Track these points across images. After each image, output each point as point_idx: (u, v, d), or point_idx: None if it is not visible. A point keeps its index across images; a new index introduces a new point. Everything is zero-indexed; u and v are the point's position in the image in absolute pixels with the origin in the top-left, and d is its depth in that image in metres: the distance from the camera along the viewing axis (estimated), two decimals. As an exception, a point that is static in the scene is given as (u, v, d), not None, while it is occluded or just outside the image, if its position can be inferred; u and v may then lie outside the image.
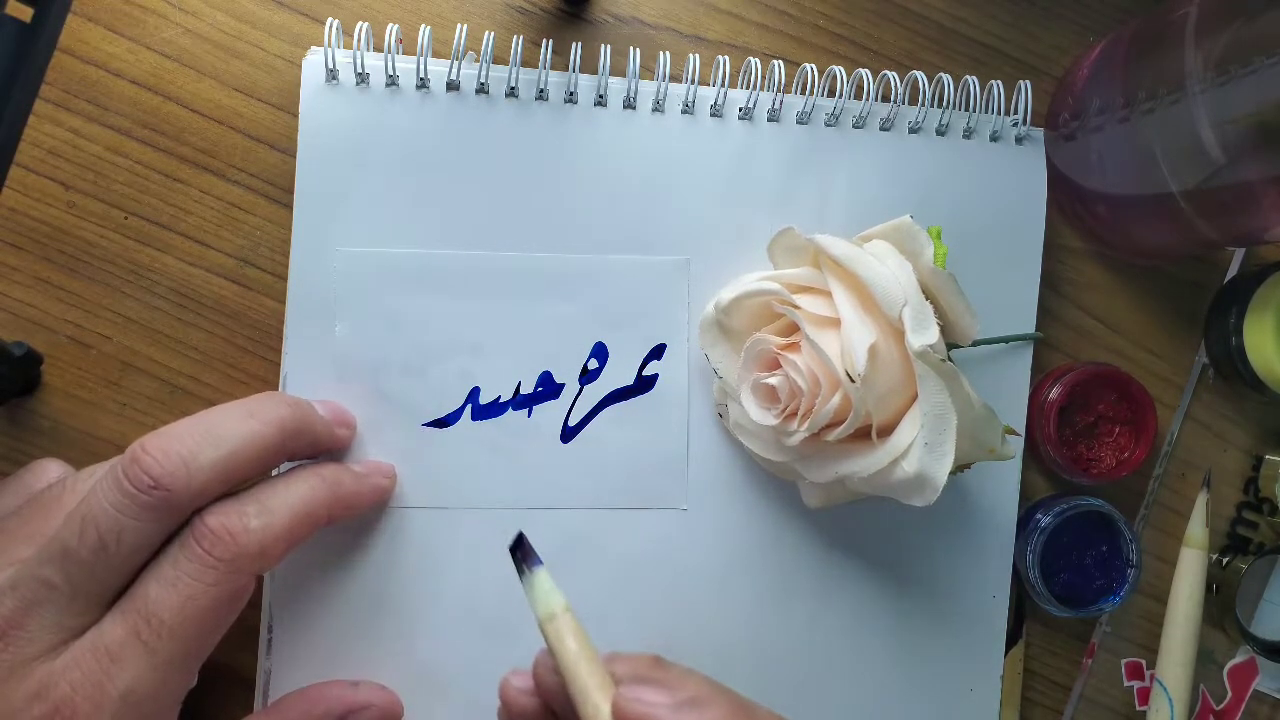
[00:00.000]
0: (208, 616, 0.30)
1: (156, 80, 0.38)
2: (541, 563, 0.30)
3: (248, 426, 0.32)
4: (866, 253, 0.35)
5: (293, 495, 0.33)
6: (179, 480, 0.29)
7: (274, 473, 0.37)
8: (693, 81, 0.39)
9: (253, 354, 0.39)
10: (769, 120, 0.40)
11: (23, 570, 0.30)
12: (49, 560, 0.29)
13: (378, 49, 0.38)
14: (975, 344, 0.38)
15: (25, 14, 0.27)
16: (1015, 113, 0.41)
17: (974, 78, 0.41)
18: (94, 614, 0.30)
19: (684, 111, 0.40)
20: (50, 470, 0.35)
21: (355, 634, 0.38)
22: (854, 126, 0.41)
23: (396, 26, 0.38)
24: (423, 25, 0.37)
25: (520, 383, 0.39)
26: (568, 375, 0.39)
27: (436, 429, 0.38)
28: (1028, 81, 0.41)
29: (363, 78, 0.38)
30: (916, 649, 0.41)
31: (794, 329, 0.36)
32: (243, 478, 0.32)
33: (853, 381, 0.33)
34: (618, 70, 0.40)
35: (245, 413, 0.32)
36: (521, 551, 0.30)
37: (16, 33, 0.27)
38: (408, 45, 0.39)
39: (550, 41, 0.38)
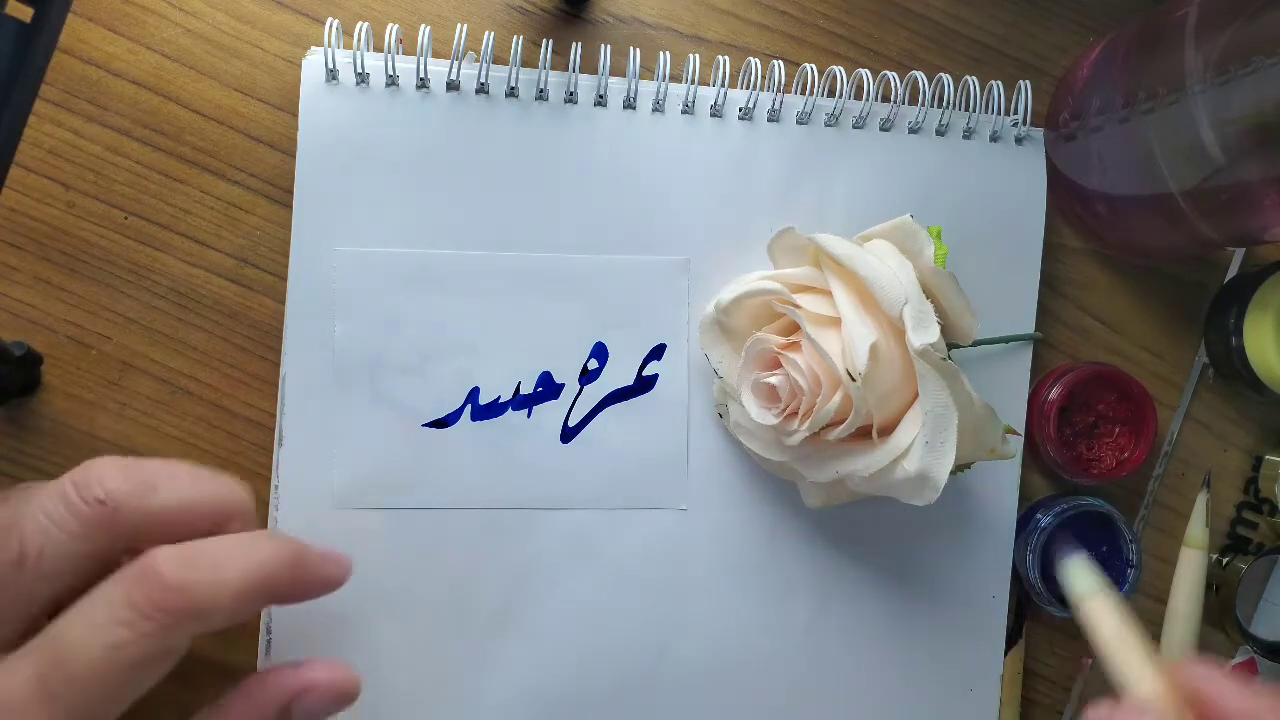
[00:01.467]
0: (128, 673, 0.26)
1: (156, 80, 0.38)
2: (1081, 549, 0.34)
3: (219, 490, 0.30)
4: (867, 252, 0.35)
5: (251, 559, 0.29)
6: (130, 499, 0.27)
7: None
8: (693, 81, 0.39)
9: (252, 354, 0.39)
10: (769, 120, 0.40)
11: None
12: None
13: (378, 49, 0.38)
14: (975, 344, 0.38)
15: (25, 14, 0.27)
16: (1015, 113, 0.41)
17: (974, 78, 0.41)
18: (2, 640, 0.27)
19: (684, 111, 0.40)
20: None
21: (355, 634, 0.38)
22: (854, 127, 0.41)
23: (396, 26, 0.38)
24: (423, 25, 0.37)
25: (520, 383, 0.39)
26: (568, 375, 0.39)
27: (436, 429, 0.38)
28: (1028, 81, 0.41)
29: (363, 78, 0.38)
30: (916, 649, 0.41)
31: (794, 328, 0.36)
32: (195, 530, 0.29)
33: (854, 380, 0.33)
34: (618, 70, 0.40)
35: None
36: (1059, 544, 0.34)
37: (16, 33, 0.27)
38: (408, 45, 0.39)
39: (550, 41, 0.38)
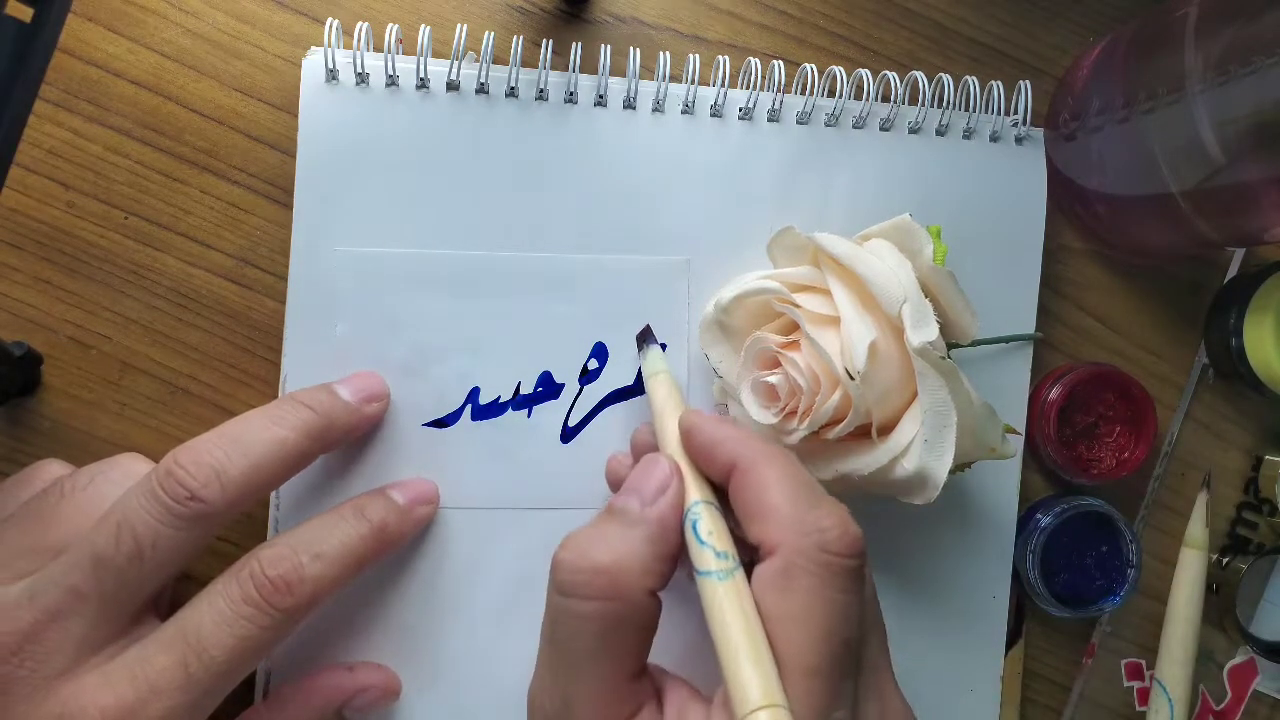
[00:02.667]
0: (254, 657, 0.30)
1: (156, 80, 0.38)
2: (660, 344, 0.38)
3: (272, 434, 0.32)
4: (866, 251, 0.35)
5: (342, 543, 0.33)
6: (213, 492, 0.30)
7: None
8: (693, 81, 0.39)
9: (253, 354, 0.39)
10: (769, 120, 0.40)
11: (43, 579, 0.29)
12: (77, 567, 0.29)
13: (378, 49, 0.38)
14: (975, 344, 0.38)
15: (25, 14, 0.27)
16: (1015, 113, 0.41)
17: (974, 78, 0.41)
18: (117, 628, 0.30)
19: (684, 111, 0.40)
20: (50, 471, 0.35)
21: (355, 634, 0.38)
22: (854, 127, 0.41)
23: (396, 26, 0.38)
24: (423, 25, 0.38)
25: (520, 383, 0.39)
26: (568, 375, 0.39)
27: (436, 429, 0.38)
28: (1028, 81, 0.41)
29: (363, 78, 0.38)
30: (916, 649, 0.41)
31: (794, 328, 0.36)
32: (272, 486, 0.32)
33: (853, 379, 0.33)
34: (618, 70, 0.40)
35: (269, 420, 0.32)
36: (645, 335, 0.38)
37: (16, 33, 0.27)
38: (408, 45, 0.39)
39: (550, 41, 0.38)
